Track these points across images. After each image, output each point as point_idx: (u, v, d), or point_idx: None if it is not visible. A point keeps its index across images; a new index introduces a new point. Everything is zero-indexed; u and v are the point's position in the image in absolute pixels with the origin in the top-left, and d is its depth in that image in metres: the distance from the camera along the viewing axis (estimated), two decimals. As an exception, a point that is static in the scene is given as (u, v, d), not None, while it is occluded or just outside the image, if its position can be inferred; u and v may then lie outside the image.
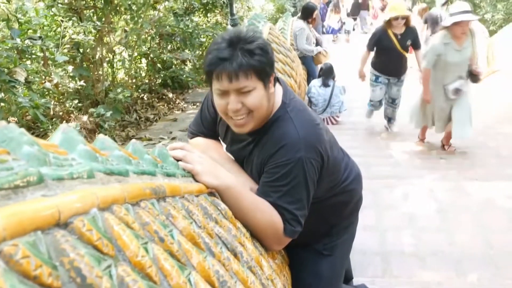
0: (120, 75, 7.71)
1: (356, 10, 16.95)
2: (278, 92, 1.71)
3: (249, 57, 1.47)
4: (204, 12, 9.10)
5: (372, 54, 6.14)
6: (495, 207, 3.88)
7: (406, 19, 5.66)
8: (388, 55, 5.84)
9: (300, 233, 1.66)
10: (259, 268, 1.48)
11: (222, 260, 1.16)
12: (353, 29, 16.07)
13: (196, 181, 1.46)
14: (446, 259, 3.21)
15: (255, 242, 1.64)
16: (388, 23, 5.70)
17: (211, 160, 1.59)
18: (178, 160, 1.47)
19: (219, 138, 1.96)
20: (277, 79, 1.71)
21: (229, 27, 7.59)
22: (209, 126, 1.94)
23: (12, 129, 0.75)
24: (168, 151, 1.47)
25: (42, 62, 4.31)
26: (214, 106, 1.74)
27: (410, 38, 5.77)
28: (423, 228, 3.61)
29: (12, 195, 0.62)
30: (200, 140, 1.96)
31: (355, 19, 16.82)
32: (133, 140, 1.28)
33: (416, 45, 5.91)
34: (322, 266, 2.03)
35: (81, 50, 5.81)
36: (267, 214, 1.59)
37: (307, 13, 7.07)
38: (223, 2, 8.79)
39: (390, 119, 6.55)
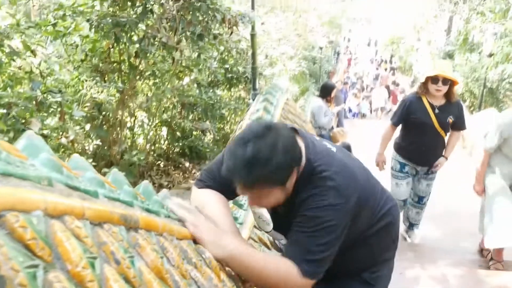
0: (140, 140, 7.79)
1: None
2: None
3: (263, 181, 1.47)
4: (228, 86, 9.30)
5: (397, 132, 4.56)
6: None
7: (450, 88, 4.04)
8: (420, 134, 4.23)
9: (348, 263, 1.77)
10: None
11: (192, 302, 1.06)
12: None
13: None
14: None
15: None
16: (424, 87, 4.12)
17: (215, 228, 1.56)
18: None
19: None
20: (295, 131, 1.66)
21: (251, 101, 7.71)
22: (224, 181, 1.65)
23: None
24: (171, 205, 1.46)
25: (58, 116, 4.38)
26: None
27: (453, 114, 4.18)
28: None
29: None
30: (204, 194, 1.77)
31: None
32: (115, 169, 1.23)
33: (459, 125, 4.29)
34: None
35: (102, 111, 5.92)
36: (279, 267, 1.56)
37: (326, 91, 7.14)
38: (247, 78, 8.99)
39: (412, 224, 4.87)
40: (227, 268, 1.54)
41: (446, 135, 4.29)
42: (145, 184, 1.33)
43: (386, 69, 31.19)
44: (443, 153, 4.38)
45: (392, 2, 36.96)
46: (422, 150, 4.28)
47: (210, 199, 1.74)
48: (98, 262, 0.77)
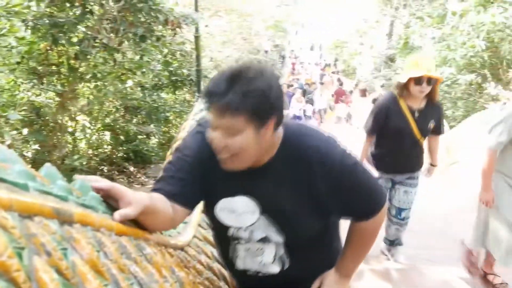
0: (82, 144, 7.60)
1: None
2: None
3: (242, 98, 1.34)
4: (172, 89, 9.21)
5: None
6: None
7: (432, 89, 3.54)
8: (396, 142, 3.72)
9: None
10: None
11: (130, 296, 1.03)
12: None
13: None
14: None
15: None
16: (403, 89, 3.59)
17: (327, 285, 1.76)
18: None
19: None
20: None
21: (196, 104, 7.67)
22: (174, 179, 1.57)
23: None
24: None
25: (-7, 120, 4.21)
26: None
27: (434, 118, 3.72)
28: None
29: None
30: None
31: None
32: (48, 164, 1.18)
33: (437, 129, 3.83)
34: None
35: (41, 115, 5.73)
36: (369, 239, 1.75)
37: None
38: (192, 80, 8.94)
39: (393, 241, 4.23)
40: (170, 266, 1.52)
41: (423, 141, 3.80)
42: (82, 180, 1.29)
43: (331, 73, 31.82)
44: (431, 162, 4.08)
45: (336, 7, 37.81)
46: (399, 160, 3.79)
47: None
48: (27, 253, 0.74)
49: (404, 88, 3.59)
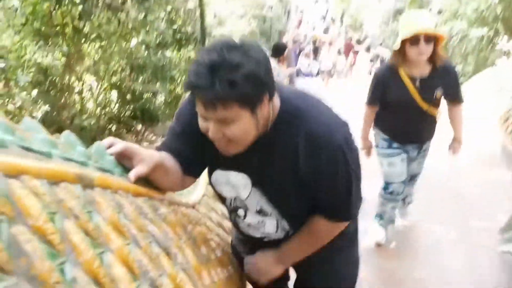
0: (90, 104, 7.66)
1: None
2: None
3: (230, 89, 1.22)
4: (177, 47, 9.17)
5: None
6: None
7: (434, 51, 3.05)
8: (401, 116, 3.36)
9: None
10: (197, 274, 1.44)
11: (149, 253, 1.12)
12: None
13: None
14: None
15: (199, 252, 1.61)
16: (400, 55, 3.16)
17: (259, 260, 1.79)
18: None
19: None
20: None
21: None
22: (178, 150, 1.57)
23: None
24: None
25: (3, 82, 4.25)
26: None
27: (442, 85, 3.23)
28: None
29: None
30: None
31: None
32: (67, 131, 1.25)
33: (452, 96, 3.39)
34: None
35: (48, 76, 5.76)
36: (320, 239, 1.69)
37: (277, 52, 7.08)
38: (196, 38, 8.89)
39: (403, 200, 4.08)
40: (183, 224, 1.61)
41: (436, 111, 3.37)
42: (98, 144, 1.36)
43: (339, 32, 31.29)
44: (455, 136, 3.66)
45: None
46: (408, 133, 3.45)
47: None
48: (58, 217, 0.82)
49: (400, 54, 3.14)
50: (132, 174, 1.34)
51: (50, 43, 5.65)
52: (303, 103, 1.50)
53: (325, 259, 1.79)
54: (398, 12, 21.48)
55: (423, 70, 3.17)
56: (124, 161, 1.38)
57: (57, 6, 5.38)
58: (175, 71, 8.88)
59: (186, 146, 1.57)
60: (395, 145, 3.50)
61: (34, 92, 5.39)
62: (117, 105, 8.21)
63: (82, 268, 0.79)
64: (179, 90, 9.69)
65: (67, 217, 0.86)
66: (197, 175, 1.69)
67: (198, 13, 9.00)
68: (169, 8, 8.11)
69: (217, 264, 1.77)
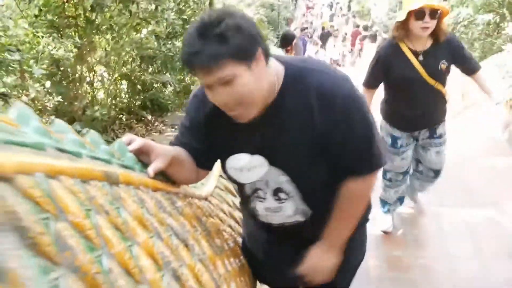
0: (100, 95, 7.76)
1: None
2: (274, 65, 1.48)
3: (220, 44, 1.26)
4: (186, 37, 9.22)
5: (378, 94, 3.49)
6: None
7: (437, 26, 3.03)
8: (408, 93, 3.24)
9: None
10: (212, 264, 1.53)
11: (170, 245, 1.21)
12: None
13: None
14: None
15: (214, 243, 1.70)
16: (403, 28, 3.12)
17: (313, 260, 1.73)
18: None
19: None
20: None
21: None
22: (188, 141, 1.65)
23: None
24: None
25: (19, 75, 4.35)
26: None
27: (446, 57, 3.16)
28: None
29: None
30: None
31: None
32: (92, 131, 1.34)
33: (468, 66, 3.35)
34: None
35: (60, 67, 5.86)
36: (358, 204, 1.68)
37: (286, 41, 7.08)
38: (206, 28, 8.92)
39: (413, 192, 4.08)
40: (198, 216, 1.69)
41: (444, 86, 3.26)
42: (119, 142, 1.45)
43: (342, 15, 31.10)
44: (490, 97, 3.52)
45: None
46: (417, 113, 3.29)
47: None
48: (92, 213, 0.91)
49: (403, 28, 3.10)
50: (151, 169, 1.43)
51: (62, 34, 5.74)
52: (306, 64, 1.53)
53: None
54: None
55: (425, 44, 3.13)
56: (141, 157, 1.47)
57: (70, -2, 5.47)
58: (184, 61, 8.94)
59: (196, 140, 1.63)
60: (399, 143, 3.45)
61: (47, 83, 5.49)
62: (127, 95, 8.31)
63: (115, 260, 0.88)
64: (188, 79, 9.77)
65: (99, 213, 0.95)
66: (209, 167, 1.76)
67: (207, 3, 9.04)
68: (178, -2, 8.18)
69: (230, 254, 1.87)
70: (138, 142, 1.46)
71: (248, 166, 1.59)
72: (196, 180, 1.79)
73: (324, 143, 1.47)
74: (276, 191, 1.64)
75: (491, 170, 5.48)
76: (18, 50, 4.09)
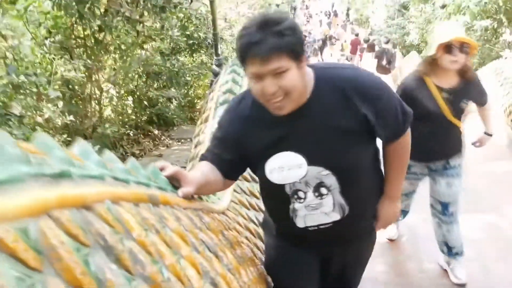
0: (108, 111, 7.95)
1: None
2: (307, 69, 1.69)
3: (279, 39, 1.44)
4: (190, 52, 9.46)
5: None
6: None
7: (464, 65, 3.00)
8: (427, 128, 3.11)
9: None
10: (237, 273, 1.70)
11: (205, 256, 1.38)
12: None
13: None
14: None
15: (236, 254, 1.87)
16: (431, 64, 3.06)
17: (383, 213, 2.02)
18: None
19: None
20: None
21: (214, 67, 7.92)
22: (219, 152, 1.83)
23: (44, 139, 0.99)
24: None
25: (36, 97, 4.54)
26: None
27: (468, 96, 3.14)
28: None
29: (53, 182, 0.86)
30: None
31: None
32: (132, 158, 1.51)
33: (481, 102, 3.32)
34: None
35: (70, 87, 6.06)
36: (404, 154, 1.96)
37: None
38: (208, 43, 9.15)
39: (451, 249, 3.45)
40: (221, 229, 1.87)
41: (461, 124, 3.21)
42: (153, 166, 1.63)
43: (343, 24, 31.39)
44: (485, 130, 3.54)
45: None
46: (432, 146, 3.18)
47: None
48: (149, 233, 1.08)
49: (432, 62, 3.03)
50: (181, 193, 1.61)
51: (72, 55, 5.94)
52: (329, 65, 1.84)
53: (362, 250, 2.18)
54: (403, 7, 21.61)
55: (451, 80, 3.06)
56: (173, 181, 1.65)
57: (79, 20, 5.66)
58: (188, 76, 9.16)
59: (228, 151, 1.80)
60: (412, 170, 3.35)
61: (60, 103, 5.68)
62: (134, 111, 8.51)
63: (170, 270, 1.06)
64: (192, 93, 9.99)
65: (152, 231, 1.12)
66: (235, 178, 1.96)
67: (210, 19, 9.26)
68: (181, 15, 8.38)
69: (250, 264, 2.04)
70: (171, 169, 1.65)
71: (289, 164, 1.72)
72: (220, 191, 2.04)
73: (369, 123, 1.69)
74: (318, 187, 1.76)
75: (491, 175, 5.59)
76: (35, 74, 4.28)
